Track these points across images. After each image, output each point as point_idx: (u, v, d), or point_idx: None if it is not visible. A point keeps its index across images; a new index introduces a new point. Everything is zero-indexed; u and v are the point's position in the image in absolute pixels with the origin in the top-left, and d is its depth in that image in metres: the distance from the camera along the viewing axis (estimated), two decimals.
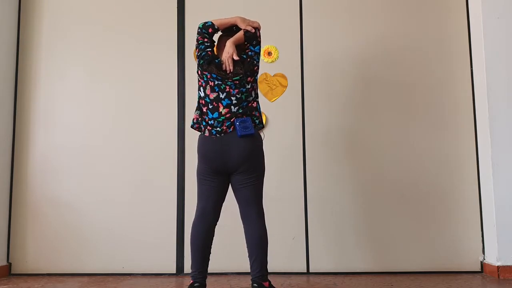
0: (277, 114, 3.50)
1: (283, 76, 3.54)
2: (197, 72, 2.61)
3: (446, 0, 3.55)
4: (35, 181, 3.54)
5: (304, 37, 3.56)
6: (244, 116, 2.53)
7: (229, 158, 2.48)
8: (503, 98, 3.23)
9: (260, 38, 2.64)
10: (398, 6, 3.56)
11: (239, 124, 2.48)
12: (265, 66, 3.51)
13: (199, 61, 2.58)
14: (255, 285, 2.43)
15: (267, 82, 3.53)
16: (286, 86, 3.53)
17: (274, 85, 3.54)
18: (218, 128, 2.50)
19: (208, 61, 2.55)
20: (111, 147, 3.54)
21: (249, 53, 2.60)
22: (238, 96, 2.53)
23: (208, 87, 2.55)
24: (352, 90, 3.51)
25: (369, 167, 3.44)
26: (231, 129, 2.49)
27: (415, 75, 3.50)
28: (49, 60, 3.65)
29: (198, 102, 2.61)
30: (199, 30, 2.63)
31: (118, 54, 3.62)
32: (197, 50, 2.61)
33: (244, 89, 2.54)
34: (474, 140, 3.41)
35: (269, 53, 3.55)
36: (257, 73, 2.64)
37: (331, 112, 3.49)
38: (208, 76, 2.54)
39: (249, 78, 2.56)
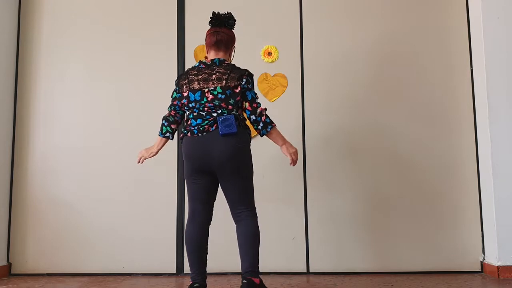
0: (277, 114, 3.49)
1: (283, 76, 3.54)
2: (175, 102, 2.60)
3: (446, 0, 3.55)
4: (35, 181, 3.54)
5: (304, 37, 3.56)
6: (227, 114, 2.46)
7: (211, 157, 2.42)
8: (503, 98, 3.23)
9: (250, 85, 2.53)
10: (398, 6, 3.56)
11: (221, 122, 2.42)
12: (265, 66, 3.51)
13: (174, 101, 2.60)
14: (244, 281, 2.37)
15: (267, 82, 3.53)
16: (286, 86, 3.53)
17: (274, 85, 3.53)
18: (200, 127, 2.45)
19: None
20: (111, 147, 3.54)
21: (242, 85, 2.50)
22: (216, 103, 2.47)
23: (189, 110, 2.54)
24: (352, 90, 3.51)
25: (369, 167, 3.44)
26: (213, 127, 2.44)
27: (415, 75, 3.50)
28: (49, 60, 3.65)
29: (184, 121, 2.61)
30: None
31: (118, 54, 3.62)
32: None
33: (224, 105, 2.47)
34: (474, 140, 3.41)
35: (269, 53, 3.55)
36: (240, 107, 2.53)
37: (331, 112, 3.49)
38: (186, 103, 2.51)
39: (229, 106, 2.47)
